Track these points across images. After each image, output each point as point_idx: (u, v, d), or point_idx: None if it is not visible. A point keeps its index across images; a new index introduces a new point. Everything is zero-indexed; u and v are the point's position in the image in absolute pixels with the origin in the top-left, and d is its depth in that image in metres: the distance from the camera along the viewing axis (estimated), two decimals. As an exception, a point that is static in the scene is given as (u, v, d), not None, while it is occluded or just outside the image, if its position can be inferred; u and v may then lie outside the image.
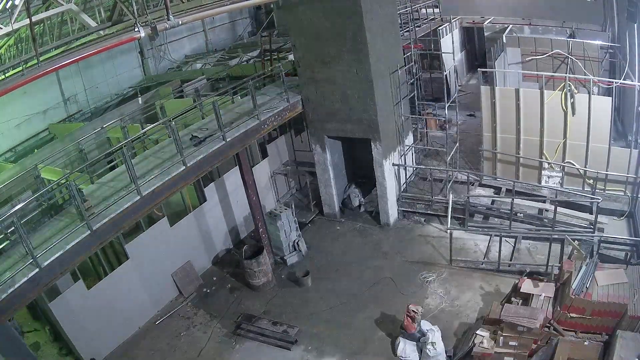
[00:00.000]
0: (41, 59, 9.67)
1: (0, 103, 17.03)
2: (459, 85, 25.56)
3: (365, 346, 12.59)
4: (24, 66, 9.57)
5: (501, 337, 10.89)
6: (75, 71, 19.41)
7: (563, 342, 10.44)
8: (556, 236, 13.63)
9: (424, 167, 18.26)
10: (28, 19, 9.47)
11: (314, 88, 15.79)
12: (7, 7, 10.54)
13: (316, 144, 16.83)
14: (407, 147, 17.78)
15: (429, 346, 11.45)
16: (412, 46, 18.36)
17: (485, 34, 25.03)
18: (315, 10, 14.50)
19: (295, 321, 13.65)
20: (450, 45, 22.05)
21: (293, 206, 16.28)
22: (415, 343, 11.82)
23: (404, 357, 11.84)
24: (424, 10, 26.36)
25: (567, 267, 11.71)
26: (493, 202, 16.41)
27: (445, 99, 17.52)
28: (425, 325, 11.97)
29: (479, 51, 30.05)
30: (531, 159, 16.53)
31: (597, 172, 15.39)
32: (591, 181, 15.70)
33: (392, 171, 16.53)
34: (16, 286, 8.92)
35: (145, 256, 14.18)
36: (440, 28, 24.66)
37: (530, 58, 19.95)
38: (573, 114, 15.25)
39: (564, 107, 15.29)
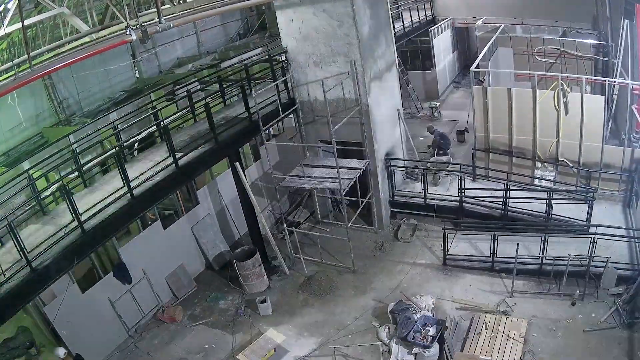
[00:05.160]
0: (34, 62, 9.63)
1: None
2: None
3: (359, 346, 12.58)
4: (16, 70, 9.52)
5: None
6: (67, 75, 19.32)
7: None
8: (551, 234, 13.63)
9: (416, 167, 18.18)
10: (20, 23, 9.42)
11: (305, 90, 15.77)
12: (0, 11, 10.51)
13: (309, 146, 16.82)
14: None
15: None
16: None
17: (477, 34, 25.11)
18: (307, 12, 14.51)
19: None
20: (443, 46, 22.10)
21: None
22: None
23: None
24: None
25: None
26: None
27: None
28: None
29: (470, 51, 30.17)
30: (524, 159, 16.56)
31: (591, 171, 15.45)
32: (584, 180, 15.76)
33: (384, 172, 16.55)
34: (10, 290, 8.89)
35: (138, 259, 14.16)
36: (432, 28, 24.75)
37: (524, 51, 20.09)
38: (566, 113, 15.29)
39: (557, 106, 15.34)
